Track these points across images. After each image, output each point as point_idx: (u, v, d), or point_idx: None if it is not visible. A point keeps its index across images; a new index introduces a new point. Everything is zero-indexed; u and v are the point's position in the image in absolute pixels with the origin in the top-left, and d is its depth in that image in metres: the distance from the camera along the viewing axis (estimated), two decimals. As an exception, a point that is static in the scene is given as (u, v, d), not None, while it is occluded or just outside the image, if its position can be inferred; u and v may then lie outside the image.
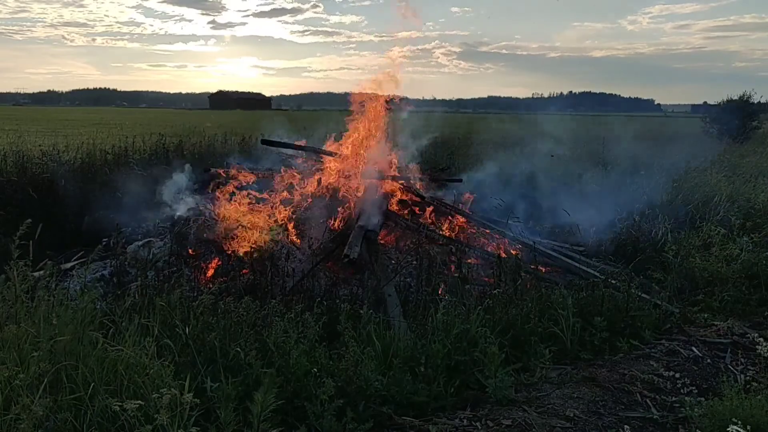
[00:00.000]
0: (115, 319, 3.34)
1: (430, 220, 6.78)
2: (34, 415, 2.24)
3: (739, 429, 2.66)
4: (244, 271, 5.43)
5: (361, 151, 7.07)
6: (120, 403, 2.34)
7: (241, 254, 5.57)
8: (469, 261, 5.90)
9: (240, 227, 5.76)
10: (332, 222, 6.23)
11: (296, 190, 6.52)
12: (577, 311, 4.41)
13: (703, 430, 3.01)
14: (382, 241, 6.20)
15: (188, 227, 6.02)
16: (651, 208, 7.77)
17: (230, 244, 5.65)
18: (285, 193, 6.49)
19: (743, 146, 18.85)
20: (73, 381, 2.60)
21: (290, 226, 6.06)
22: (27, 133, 15.63)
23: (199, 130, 12.30)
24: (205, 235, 5.87)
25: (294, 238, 5.96)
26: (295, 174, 6.93)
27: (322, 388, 2.96)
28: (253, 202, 6.28)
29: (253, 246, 5.56)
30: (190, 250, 5.71)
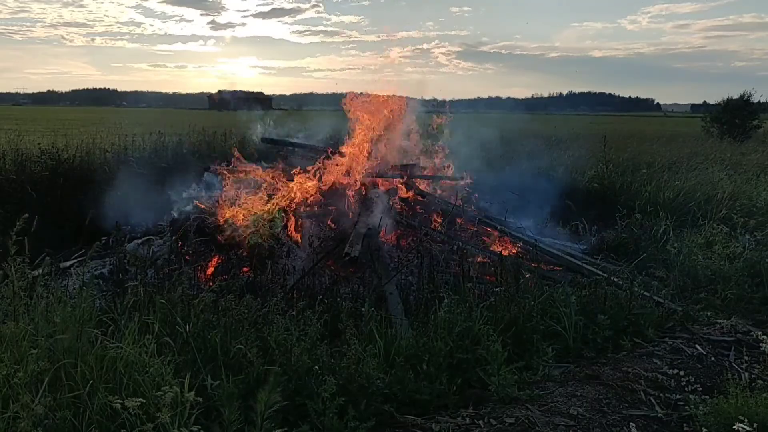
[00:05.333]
0: (115, 317, 3.31)
1: (431, 219, 6.75)
2: (34, 414, 2.21)
3: (745, 427, 2.64)
4: (244, 269, 5.41)
5: (363, 150, 7.04)
6: (121, 401, 2.31)
7: (241, 251, 5.54)
8: (470, 259, 5.87)
9: (239, 222, 5.73)
10: (334, 220, 6.20)
11: (297, 188, 6.49)
12: (579, 309, 4.38)
13: (708, 428, 2.98)
14: (383, 240, 6.17)
15: (188, 225, 5.99)
16: (653, 206, 7.75)
17: (230, 239, 5.62)
18: (285, 191, 6.45)
19: (744, 145, 18.85)
20: (72, 379, 2.57)
21: (290, 224, 6.03)
22: (26, 133, 15.58)
23: (199, 129, 12.25)
24: (204, 232, 5.84)
25: (295, 235, 5.93)
26: (296, 172, 6.89)
27: (324, 386, 2.93)
28: (252, 198, 6.25)
29: (254, 236, 5.54)
30: (189, 248, 5.68)
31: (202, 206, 6.22)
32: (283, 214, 5.86)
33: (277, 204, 6.04)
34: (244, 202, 6.08)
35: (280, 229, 5.75)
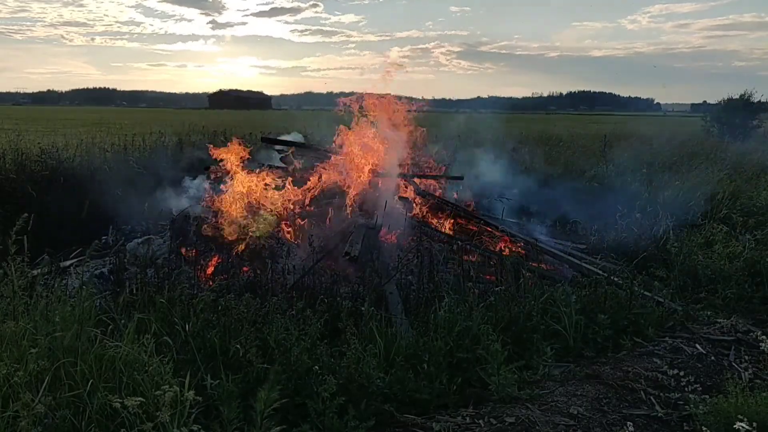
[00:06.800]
0: (114, 317, 3.31)
1: (431, 218, 6.74)
2: (35, 413, 2.21)
3: (744, 426, 2.63)
4: (244, 268, 5.40)
5: (363, 150, 7.03)
6: (120, 400, 2.31)
7: (239, 249, 5.54)
8: (470, 258, 5.86)
9: (235, 221, 5.73)
10: (333, 219, 6.20)
11: (297, 187, 6.49)
12: (579, 309, 4.38)
13: (708, 427, 2.98)
14: (383, 239, 6.16)
15: (187, 225, 5.99)
16: (653, 206, 7.74)
17: (227, 238, 5.62)
18: (285, 190, 6.45)
19: (744, 144, 18.86)
20: (72, 378, 2.57)
21: (289, 223, 6.03)
22: (26, 132, 15.60)
23: (199, 129, 12.28)
24: (203, 232, 5.84)
25: (294, 235, 5.92)
26: (296, 171, 6.90)
27: (324, 386, 2.93)
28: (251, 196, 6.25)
29: (250, 239, 5.54)
30: (190, 250, 5.67)
31: (202, 206, 6.22)
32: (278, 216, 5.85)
33: (276, 204, 6.04)
34: (244, 202, 6.08)
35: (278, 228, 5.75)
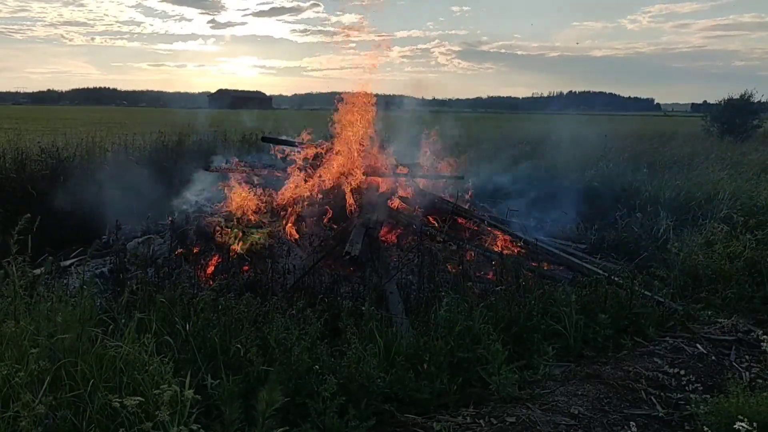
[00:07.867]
0: (115, 316, 3.31)
1: (431, 218, 6.74)
2: (35, 413, 2.21)
3: (745, 426, 2.63)
4: (244, 268, 5.40)
5: (363, 149, 7.03)
6: (120, 400, 2.31)
7: (239, 251, 5.54)
8: (470, 258, 5.86)
9: (234, 223, 5.74)
10: (334, 219, 6.20)
11: (297, 186, 6.49)
12: (580, 308, 4.38)
13: (709, 427, 2.98)
14: (383, 239, 6.16)
15: (188, 224, 5.99)
16: (653, 206, 7.75)
17: (226, 240, 5.62)
18: (285, 190, 6.45)
19: (745, 144, 18.87)
20: (72, 378, 2.57)
21: (290, 222, 6.03)
22: (26, 132, 15.60)
23: (199, 128, 12.25)
24: (204, 231, 5.84)
25: (294, 234, 5.92)
26: (296, 171, 6.89)
27: (324, 386, 2.93)
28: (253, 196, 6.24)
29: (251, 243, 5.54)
30: (193, 249, 5.67)
31: (203, 205, 6.22)
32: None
33: (275, 204, 6.05)
34: (243, 202, 6.08)
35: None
